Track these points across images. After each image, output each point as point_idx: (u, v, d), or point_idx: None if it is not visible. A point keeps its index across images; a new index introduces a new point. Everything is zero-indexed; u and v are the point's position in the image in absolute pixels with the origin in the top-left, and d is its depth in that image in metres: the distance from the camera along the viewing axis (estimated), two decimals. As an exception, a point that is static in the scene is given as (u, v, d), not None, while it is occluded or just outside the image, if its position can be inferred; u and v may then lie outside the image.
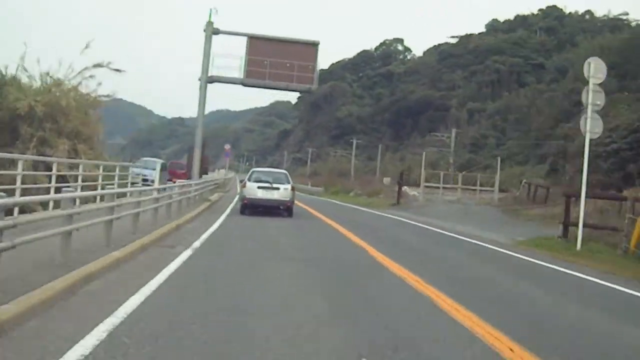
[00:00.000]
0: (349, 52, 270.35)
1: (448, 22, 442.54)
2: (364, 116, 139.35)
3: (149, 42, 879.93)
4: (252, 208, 24.01)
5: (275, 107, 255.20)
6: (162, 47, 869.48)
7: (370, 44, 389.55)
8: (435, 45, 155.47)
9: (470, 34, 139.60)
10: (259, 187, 23.82)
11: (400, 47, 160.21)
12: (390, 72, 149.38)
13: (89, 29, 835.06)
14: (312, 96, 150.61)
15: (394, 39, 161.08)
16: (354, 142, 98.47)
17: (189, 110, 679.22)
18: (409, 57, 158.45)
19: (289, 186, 23.63)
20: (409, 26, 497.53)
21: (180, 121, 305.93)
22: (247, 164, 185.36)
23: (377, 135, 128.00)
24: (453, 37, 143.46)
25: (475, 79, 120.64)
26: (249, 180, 24.80)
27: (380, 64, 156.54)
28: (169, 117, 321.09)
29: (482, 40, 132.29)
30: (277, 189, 23.36)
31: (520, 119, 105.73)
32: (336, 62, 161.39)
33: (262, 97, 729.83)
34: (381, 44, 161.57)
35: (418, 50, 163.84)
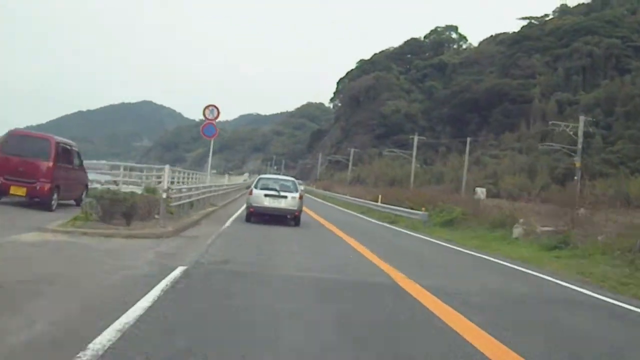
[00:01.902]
0: (395, 41, 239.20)
1: (507, 10, 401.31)
2: (413, 113, 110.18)
3: (181, 47, 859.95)
4: (258, 216, 19.80)
5: (307, 109, 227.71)
6: (193, 51, 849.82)
7: (419, 31, 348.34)
8: (493, 35, 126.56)
9: (546, 15, 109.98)
10: (265, 195, 19.84)
11: (454, 35, 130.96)
12: (444, 62, 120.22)
13: (120, 35, 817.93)
14: (352, 89, 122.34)
15: (447, 26, 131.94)
16: (415, 139, 69.32)
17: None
18: (464, 46, 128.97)
19: (297, 195, 20.32)
20: (463, 12, 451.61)
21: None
22: (276, 167, 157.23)
23: (432, 134, 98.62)
24: (523, 18, 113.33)
25: (561, 65, 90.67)
26: (256, 187, 20.46)
27: (432, 54, 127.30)
28: (197, 120, 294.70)
29: (562, 20, 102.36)
30: (285, 197, 19.87)
31: (631, 112, 76.01)
32: (380, 52, 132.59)
33: (292, 101, 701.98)
34: (432, 32, 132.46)
35: (473, 40, 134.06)
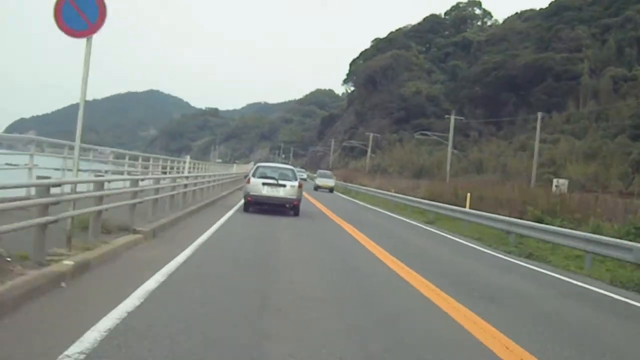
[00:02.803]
0: (412, 18, 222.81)
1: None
2: (435, 94, 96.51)
3: (187, 35, 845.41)
4: (256, 205, 18.46)
5: (316, 96, 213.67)
6: (200, 39, 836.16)
7: (439, 7, 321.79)
8: (518, 12, 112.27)
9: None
10: (263, 184, 18.39)
11: (477, 11, 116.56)
12: (468, 40, 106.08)
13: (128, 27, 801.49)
14: (367, 70, 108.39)
15: (469, 1, 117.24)
16: (452, 119, 55.80)
17: (226, 102, 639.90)
18: (489, 23, 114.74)
19: (296, 183, 18.79)
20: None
21: (214, 112, 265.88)
22: (284, 156, 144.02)
23: (460, 117, 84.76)
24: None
25: (612, 37, 76.52)
26: (254, 176, 18.96)
27: (453, 32, 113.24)
28: (204, 108, 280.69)
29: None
30: (284, 186, 18.44)
31: None
32: (396, 30, 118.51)
33: (300, 89, 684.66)
34: (453, 8, 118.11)
35: (498, 17, 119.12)
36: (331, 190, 46.36)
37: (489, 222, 16.12)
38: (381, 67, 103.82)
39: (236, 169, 47.98)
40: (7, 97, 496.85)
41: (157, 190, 12.88)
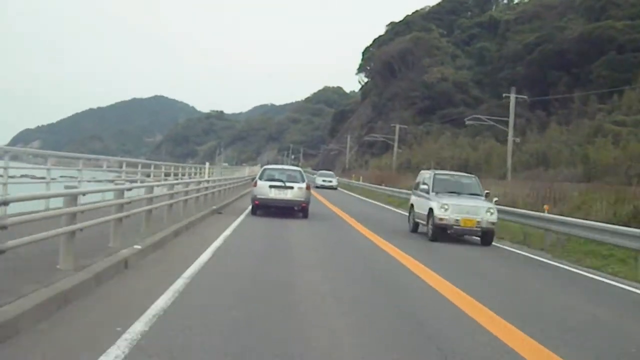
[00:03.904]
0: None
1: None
2: (463, 80, 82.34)
3: (191, 37, 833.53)
4: (263, 209, 17.77)
5: (324, 94, 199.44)
6: (205, 43, 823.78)
7: None
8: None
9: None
10: (271, 187, 17.71)
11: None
12: (495, 19, 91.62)
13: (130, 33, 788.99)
14: (384, 56, 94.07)
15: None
16: (512, 98, 41.46)
17: (232, 105, 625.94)
18: (516, 0, 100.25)
19: (303, 185, 17.93)
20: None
21: (219, 115, 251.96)
22: (293, 157, 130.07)
23: (495, 103, 70.37)
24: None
25: (683, -2, 61.88)
26: (261, 179, 18.10)
27: (477, 12, 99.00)
28: (209, 111, 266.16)
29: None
30: (291, 188, 17.66)
31: None
32: (414, 12, 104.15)
33: (308, 90, 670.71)
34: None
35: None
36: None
37: None
38: (399, 52, 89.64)
39: (209, 172, 31.65)
40: (12, 108, 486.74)
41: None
